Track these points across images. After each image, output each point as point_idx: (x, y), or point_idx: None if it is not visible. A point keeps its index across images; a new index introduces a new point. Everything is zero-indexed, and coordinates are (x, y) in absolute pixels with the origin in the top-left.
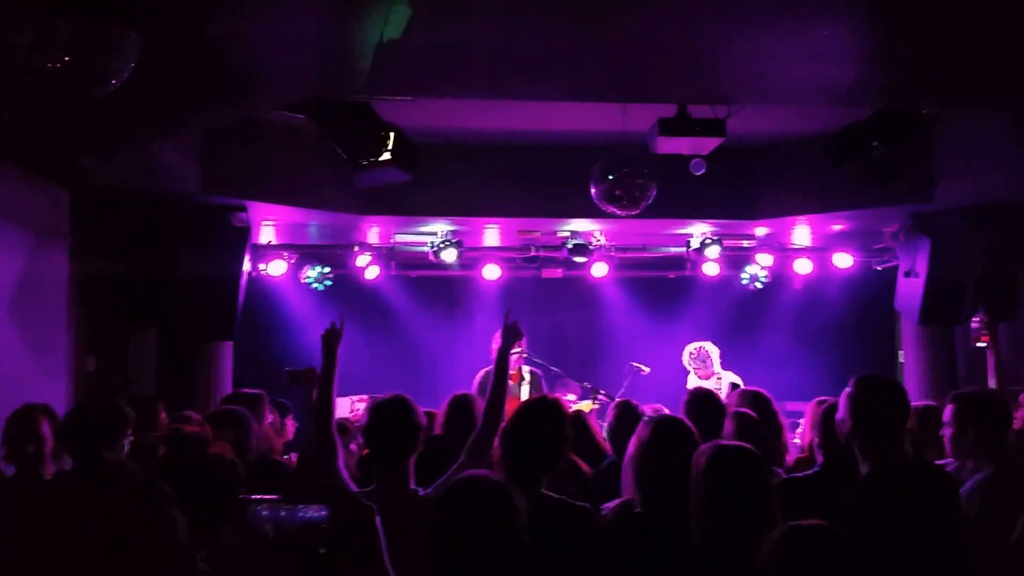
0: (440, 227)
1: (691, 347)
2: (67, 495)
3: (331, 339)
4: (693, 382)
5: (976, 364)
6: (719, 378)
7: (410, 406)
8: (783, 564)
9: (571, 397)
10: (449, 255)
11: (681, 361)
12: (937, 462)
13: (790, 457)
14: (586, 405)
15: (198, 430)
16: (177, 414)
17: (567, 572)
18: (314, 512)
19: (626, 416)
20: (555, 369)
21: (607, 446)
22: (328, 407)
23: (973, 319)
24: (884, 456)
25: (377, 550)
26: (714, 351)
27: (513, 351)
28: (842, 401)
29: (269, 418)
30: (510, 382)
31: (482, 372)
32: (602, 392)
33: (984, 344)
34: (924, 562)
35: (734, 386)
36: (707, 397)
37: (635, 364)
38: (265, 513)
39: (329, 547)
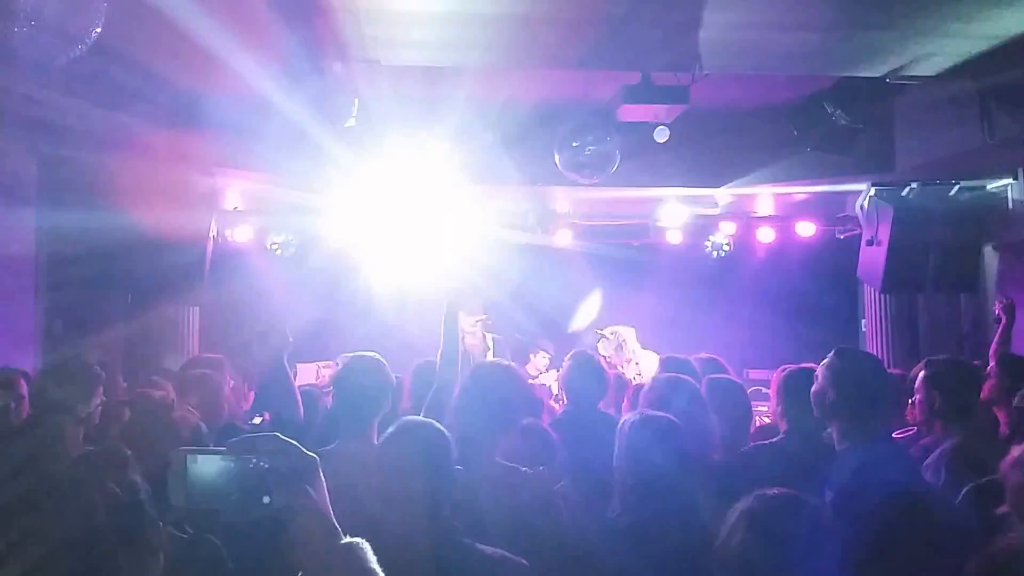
0: None
1: (605, 331)
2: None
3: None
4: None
5: (939, 333)
6: (636, 363)
7: (380, 363)
8: (749, 532)
9: (544, 361)
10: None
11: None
12: (898, 431)
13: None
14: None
15: (163, 394)
16: (146, 379)
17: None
18: (256, 462)
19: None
20: (518, 336)
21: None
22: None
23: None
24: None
25: (320, 500)
26: (629, 334)
27: (477, 318)
28: (822, 374)
29: (231, 382)
30: (475, 351)
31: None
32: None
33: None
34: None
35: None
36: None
37: (600, 331)
38: (203, 464)
39: (272, 497)
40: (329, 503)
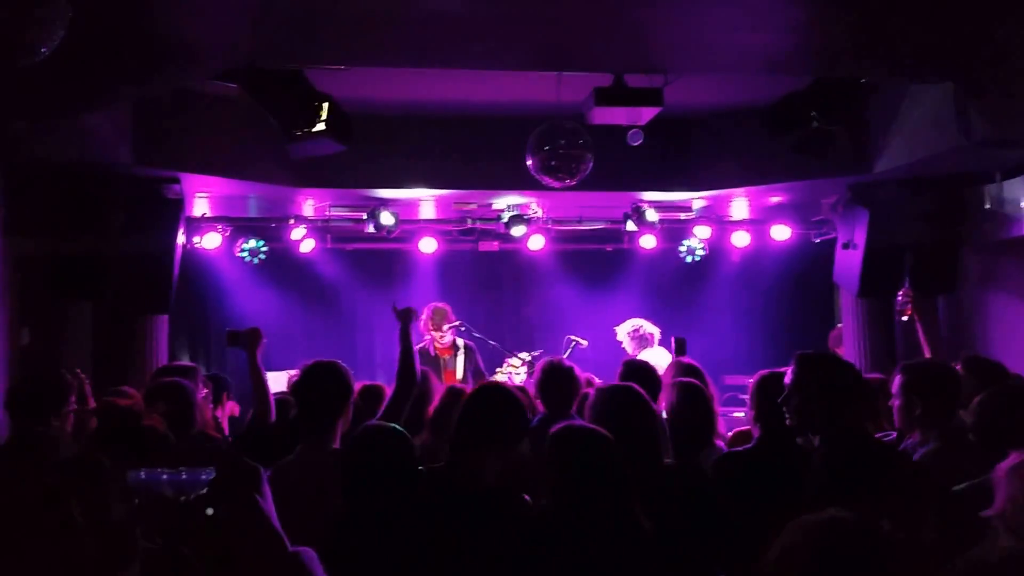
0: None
1: (631, 324)
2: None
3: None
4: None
5: (915, 336)
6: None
7: (342, 369)
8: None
9: (518, 361)
10: (386, 218)
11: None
12: (877, 435)
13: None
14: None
15: (130, 403)
16: (114, 389)
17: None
18: (200, 474)
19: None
20: (493, 343)
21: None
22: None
23: (898, 292)
24: (841, 428)
25: (262, 511)
26: (654, 330)
27: (449, 324)
28: (791, 377)
29: (203, 391)
30: (444, 355)
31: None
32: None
33: (906, 318)
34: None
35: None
36: (643, 368)
37: (573, 337)
38: (146, 477)
39: (215, 508)
40: (275, 512)
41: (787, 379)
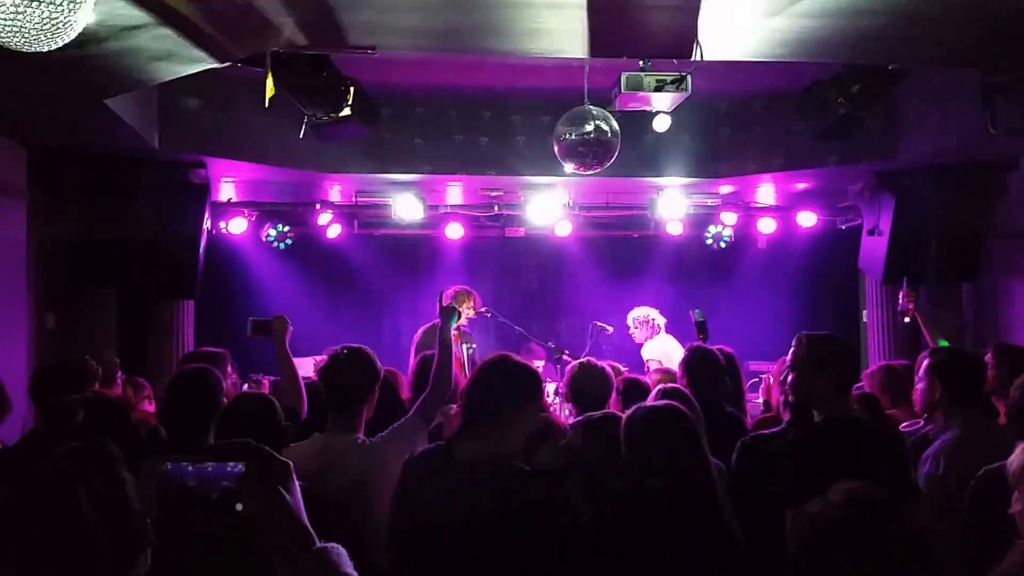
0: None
1: (638, 312)
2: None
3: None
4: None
5: (939, 323)
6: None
7: (368, 355)
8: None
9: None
10: (411, 207)
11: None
12: (905, 423)
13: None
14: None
15: (120, 395)
16: (129, 379)
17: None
18: (228, 468)
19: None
20: (519, 329)
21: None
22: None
23: (899, 292)
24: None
25: (290, 507)
26: (662, 321)
27: (474, 309)
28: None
29: (232, 377)
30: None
31: (421, 330)
32: (566, 352)
33: (908, 319)
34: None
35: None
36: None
37: (599, 323)
38: (174, 470)
39: (245, 503)
40: (303, 508)
41: (788, 358)
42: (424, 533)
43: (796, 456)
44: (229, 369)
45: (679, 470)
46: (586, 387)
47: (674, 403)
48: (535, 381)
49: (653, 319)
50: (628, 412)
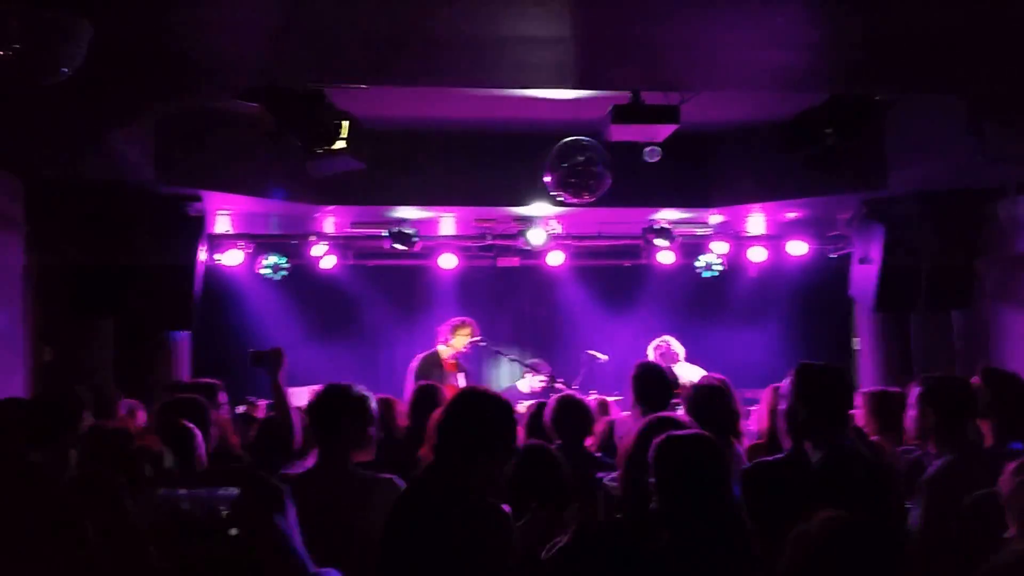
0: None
1: (659, 341)
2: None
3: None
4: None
5: (932, 350)
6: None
7: (361, 393)
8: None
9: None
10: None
11: (645, 350)
12: (899, 448)
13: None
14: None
15: (119, 424)
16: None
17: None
18: (222, 493)
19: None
20: (514, 359)
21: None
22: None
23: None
24: (831, 442)
25: (283, 533)
26: (679, 348)
27: (470, 340)
28: (786, 390)
29: (224, 407)
30: (449, 369)
31: (417, 358)
32: (559, 380)
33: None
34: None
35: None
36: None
37: (592, 352)
38: (170, 495)
39: (239, 528)
40: (298, 532)
41: (782, 386)
42: (408, 569)
43: (793, 485)
44: (220, 399)
45: (712, 501)
46: (568, 419)
47: (703, 432)
48: (506, 414)
49: (672, 347)
50: (659, 440)
